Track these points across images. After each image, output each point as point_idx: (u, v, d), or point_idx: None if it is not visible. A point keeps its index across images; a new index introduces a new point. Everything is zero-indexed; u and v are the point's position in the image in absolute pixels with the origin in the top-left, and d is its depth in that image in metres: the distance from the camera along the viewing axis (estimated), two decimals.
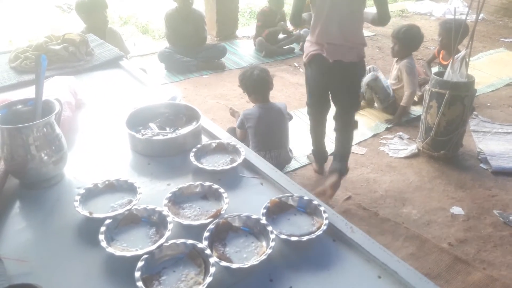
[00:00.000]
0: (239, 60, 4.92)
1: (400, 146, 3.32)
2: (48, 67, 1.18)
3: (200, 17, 4.61)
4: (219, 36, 5.46)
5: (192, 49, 4.57)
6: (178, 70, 4.51)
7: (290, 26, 5.25)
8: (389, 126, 3.59)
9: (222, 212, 1.02)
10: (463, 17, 3.21)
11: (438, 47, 4.13)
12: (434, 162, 3.12)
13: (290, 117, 3.05)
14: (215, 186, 1.11)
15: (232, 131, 2.94)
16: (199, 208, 1.06)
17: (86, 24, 3.57)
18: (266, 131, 2.82)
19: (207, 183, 1.12)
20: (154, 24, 6.01)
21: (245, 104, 3.76)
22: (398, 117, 3.64)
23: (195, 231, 0.97)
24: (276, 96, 3.95)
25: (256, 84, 2.82)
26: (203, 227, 0.97)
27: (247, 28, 5.95)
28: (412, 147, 3.26)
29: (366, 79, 3.67)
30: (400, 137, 3.44)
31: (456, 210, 2.67)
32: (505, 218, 2.58)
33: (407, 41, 3.60)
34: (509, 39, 5.86)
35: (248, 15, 6.65)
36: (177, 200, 1.08)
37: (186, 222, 1.01)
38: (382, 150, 3.28)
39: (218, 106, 3.89)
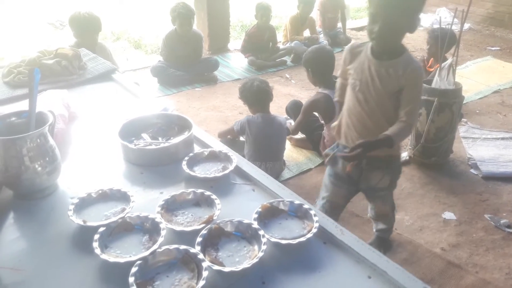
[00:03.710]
0: (231, 72, 4.96)
1: None
2: (41, 81, 1.20)
3: (199, 37, 4.64)
4: (211, 50, 5.50)
5: (186, 64, 4.61)
6: (171, 83, 4.53)
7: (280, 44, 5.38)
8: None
9: (214, 218, 1.04)
10: (450, 26, 3.28)
11: (427, 55, 4.19)
12: (425, 168, 3.15)
13: (288, 132, 3.07)
14: (207, 193, 1.12)
15: (223, 134, 3.08)
16: (191, 215, 1.08)
17: (77, 39, 3.59)
18: (265, 142, 2.81)
19: (200, 190, 1.13)
20: (146, 39, 6.06)
21: (238, 116, 3.80)
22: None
23: (188, 237, 0.99)
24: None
25: (257, 95, 2.83)
26: (196, 233, 0.98)
27: (238, 41, 6.01)
28: (404, 155, 3.29)
29: None
30: None
31: (448, 215, 2.69)
32: (496, 222, 2.61)
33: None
34: (496, 48, 5.97)
35: (240, 28, 6.72)
36: (170, 207, 1.10)
37: (179, 228, 1.02)
38: None
39: (212, 117, 3.91)
